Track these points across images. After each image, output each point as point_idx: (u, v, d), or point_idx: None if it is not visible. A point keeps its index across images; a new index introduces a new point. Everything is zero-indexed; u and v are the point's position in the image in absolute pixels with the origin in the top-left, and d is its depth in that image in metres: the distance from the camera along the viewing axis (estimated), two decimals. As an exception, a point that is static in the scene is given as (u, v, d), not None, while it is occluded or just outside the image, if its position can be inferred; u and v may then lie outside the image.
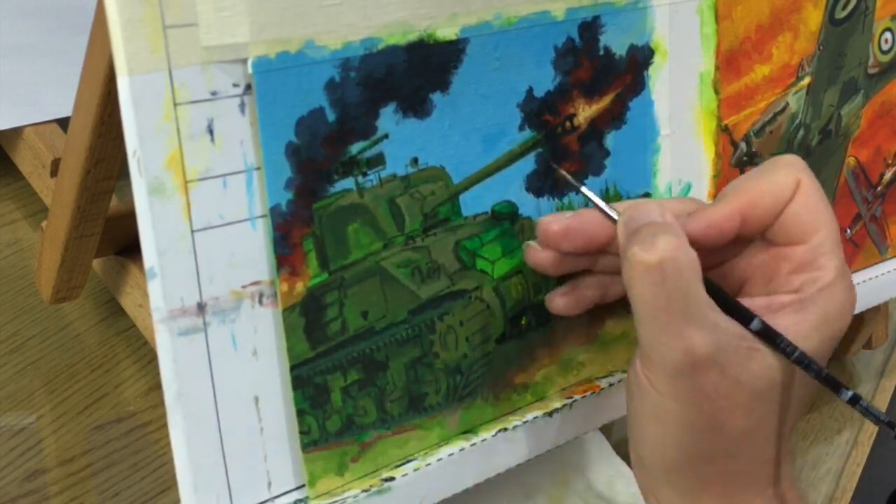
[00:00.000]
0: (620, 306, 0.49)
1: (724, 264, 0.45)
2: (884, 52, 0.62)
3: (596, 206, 0.45)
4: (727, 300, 0.42)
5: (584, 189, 0.47)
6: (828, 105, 0.60)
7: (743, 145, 0.56)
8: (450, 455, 0.46)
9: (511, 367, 0.48)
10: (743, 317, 0.42)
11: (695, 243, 0.42)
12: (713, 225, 0.43)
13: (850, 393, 0.42)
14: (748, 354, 0.41)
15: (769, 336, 0.41)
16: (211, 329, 0.40)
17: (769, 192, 0.43)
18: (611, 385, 0.51)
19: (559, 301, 0.48)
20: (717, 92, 0.54)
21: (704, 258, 0.42)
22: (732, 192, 0.44)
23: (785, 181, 0.43)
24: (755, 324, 0.41)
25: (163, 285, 0.38)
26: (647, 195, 0.52)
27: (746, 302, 0.43)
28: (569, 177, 0.48)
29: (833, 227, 0.43)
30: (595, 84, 0.49)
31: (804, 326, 0.42)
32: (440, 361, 0.46)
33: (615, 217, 0.44)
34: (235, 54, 0.39)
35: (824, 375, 0.41)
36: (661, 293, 0.40)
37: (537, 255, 0.46)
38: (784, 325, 0.42)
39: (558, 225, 0.45)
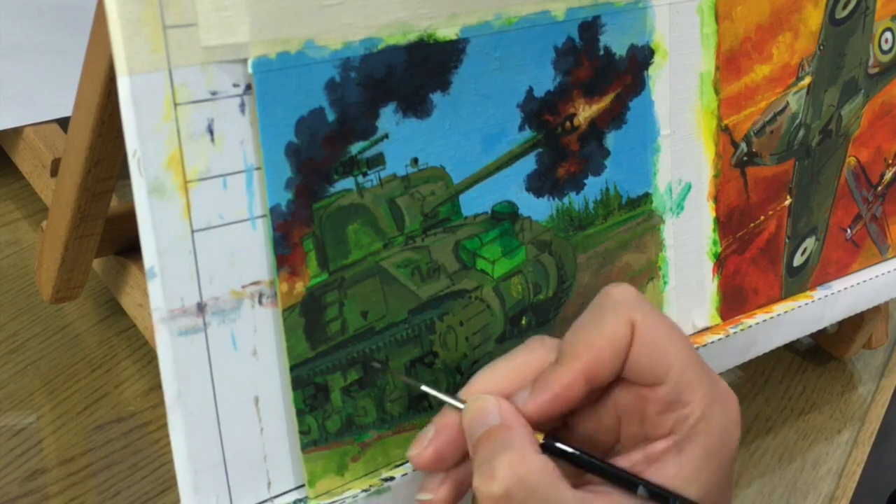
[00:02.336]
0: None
1: (596, 405, 0.42)
2: (884, 52, 0.62)
3: (442, 400, 0.43)
4: (604, 470, 0.40)
5: (423, 387, 0.44)
6: (828, 105, 0.60)
7: (743, 145, 0.56)
8: (450, 455, 0.46)
9: (511, 367, 0.48)
10: (626, 484, 0.40)
11: (544, 417, 0.40)
12: (558, 396, 0.40)
13: None
14: None
15: (660, 497, 0.39)
16: (211, 329, 0.40)
17: (606, 346, 0.40)
18: (611, 385, 0.51)
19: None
20: (717, 92, 0.54)
21: (562, 417, 0.41)
22: (570, 351, 0.41)
23: (617, 328, 0.40)
24: (640, 490, 0.39)
25: (163, 285, 0.38)
26: (647, 195, 0.52)
27: (623, 460, 0.41)
28: (409, 379, 0.45)
29: (685, 356, 0.40)
30: (595, 84, 0.49)
31: (688, 470, 0.40)
32: (440, 361, 0.46)
33: (461, 407, 0.42)
34: (235, 54, 0.39)
35: None
36: None
37: (437, 501, 0.42)
38: (668, 474, 0.40)
39: (429, 451, 0.42)
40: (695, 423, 0.40)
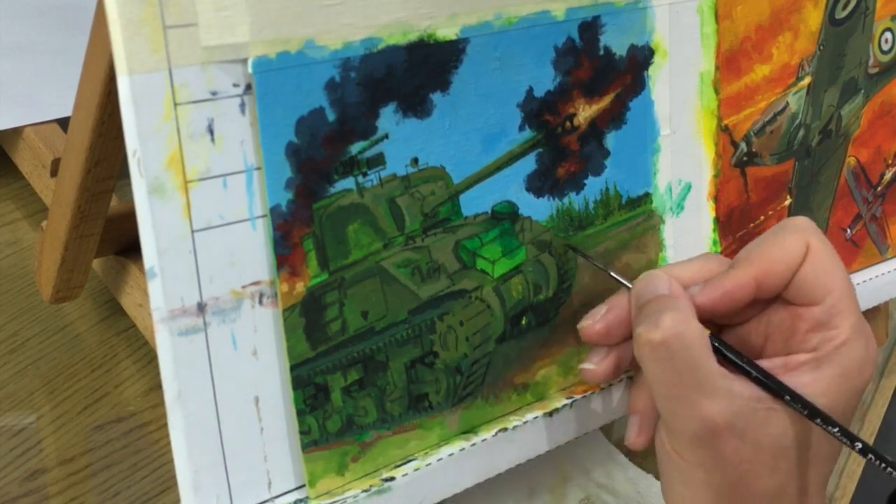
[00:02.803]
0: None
1: (746, 322, 0.46)
2: (884, 52, 0.62)
3: (615, 280, 0.47)
4: (740, 362, 0.43)
5: (611, 273, 0.48)
6: (828, 105, 0.60)
7: (743, 145, 0.56)
8: (450, 455, 0.46)
9: (511, 367, 0.48)
10: (759, 378, 0.43)
11: (710, 311, 0.44)
12: (727, 293, 0.44)
13: (859, 445, 0.42)
14: (766, 416, 0.42)
15: (784, 394, 0.42)
16: (211, 329, 0.39)
17: (780, 258, 0.44)
18: (611, 385, 0.51)
19: (639, 442, 0.47)
20: (717, 92, 0.54)
21: (725, 318, 0.45)
22: (745, 258, 0.45)
23: (795, 246, 0.44)
24: (776, 386, 0.42)
25: (163, 285, 0.38)
26: (647, 195, 0.52)
27: (764, 363, 0.44)
28: (595, 262, 0.49)
29: (845, 287, 0.44)
30: (595, 84, 0.49)
31: (821, 384, 0.43)
32: (440, 361, 0.46)
33: (630, 287, 0.46)
34: (235, 54, 0.39)
35: (837, 430, 0.42)
36: (670, 369, 0.42)
37: (597, 373, 0.47)
38: (801, 383, 0.43)
39: (600, 324, 0.46)
40: (839, 345, 0.43)
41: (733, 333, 0.47)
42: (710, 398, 0.41)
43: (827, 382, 0.43)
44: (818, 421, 0.42)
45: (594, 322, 0.46)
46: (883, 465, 0.42)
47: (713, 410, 0.41)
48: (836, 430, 0.42)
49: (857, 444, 0.42)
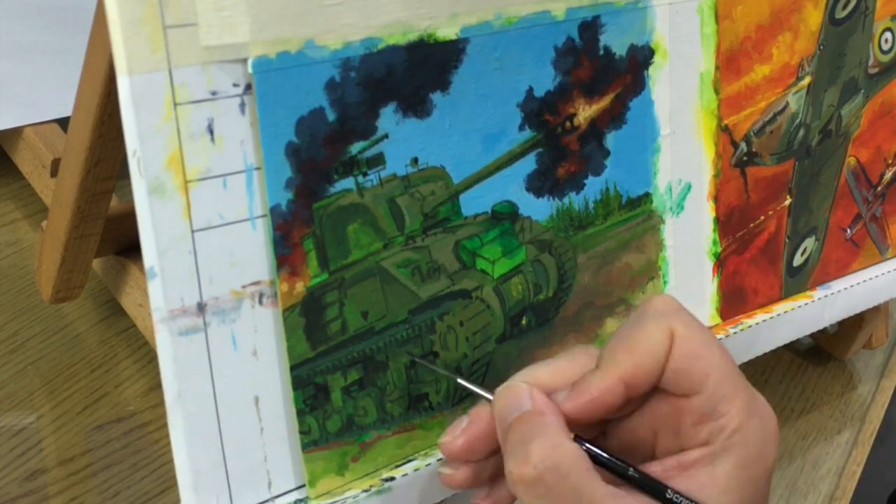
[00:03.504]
0: (620, 307, 0.49)
1: (632, 416, 0.42)
2: (884, 52, 0.62)
3: (473, 391, 0.44)
4: (625, 474, 0.40)
5: (459, 380, 0.45)
6: (828, 105, 0.60)
7: (743, 145, 0.56)
8: (450, 455, 0.46)
9: (511, 367, 0.48)
10: (653, 491, 0.39)
11: (580, 419, 0.40)
12: (595, 399, 0.40)
13: None
14: None
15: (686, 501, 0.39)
16: (211, 329, 0.40)
17: (645, 352, 0.40)
18: (611, 385, 0.51)
19: None
20: (717, 92, 0.54)
21: (600, 420, 0.41)
22: (609, 357, 0.41)
23: (657, 335, 0.40)
24: (669, 494, 0.39)
25: (163, 285, 0.38)
26: (647, 195, 0.52)
27: (655, 466, 0.41)
28: (437, 369, 0.46)
29: (723, 367, 0.40)
30: (595, 84, 0.49)
31: (720, 481, 0.39)
32: (440, 361, 0.46)
33: (491, 399, 0.42)
34: (235, 54, 0.39)
35: None
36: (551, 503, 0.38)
37: (456, 478, 0.43)
38: (698, 484, 0.39)
39: (460, 440, 0.42)
40: (730, 434, 0.40)
41: (621, 427, 0.42)
42: None
43: (726, 478, 0.39)
44: None
45: (454, 437, 0.42)
46: None
47: None
48: None
49: None
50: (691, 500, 0.39)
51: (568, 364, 0.42)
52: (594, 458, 0.40)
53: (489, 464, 0.43)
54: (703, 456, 0.40)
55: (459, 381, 0.44)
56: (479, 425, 0.42)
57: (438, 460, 0.45)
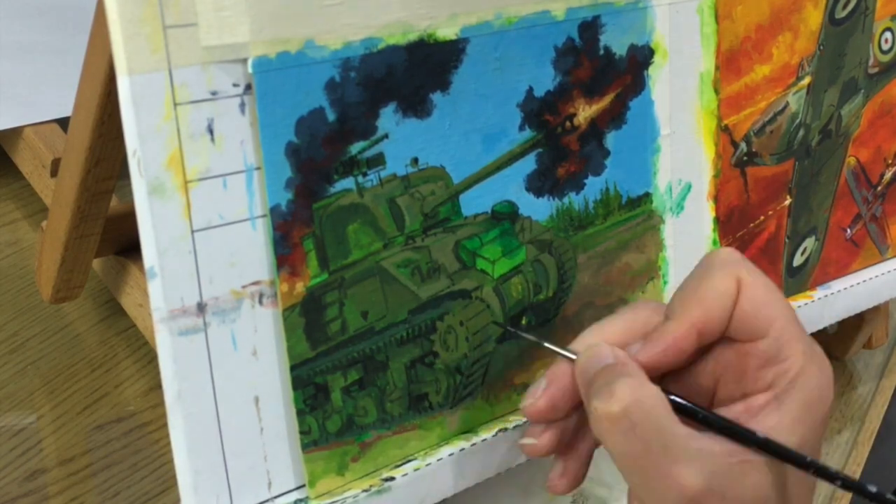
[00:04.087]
0: (620, 307, 0.49)
1: (693, 367, 0.44)
2: (884, 52, 0.62)
3: (555, 352, 0.44)
4: (707, 418, 0.41)
5: (546, 344, 0.46)
6: (828, 105, 0.60)
7: (743, 145, 0.56)
8: (450, 455, 0.46)
9: (511, 367, 0.48)
10: (727, 430, 0.41)
11: (655, 369, 0.42)
12: (670, 347, 0.42)
13: (839, 482, 0.41)
14: (742, 470, 0.40)
15: (759, 444, 0.40)
16: (211, 329, 0.40)
17: (714, 300, 0.42)
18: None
19: (561, 484, 0.45)
20: (717, 92, 0.54)
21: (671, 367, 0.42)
22: (680, 306, 0.42)
23: (725, 284, 0.42)
24: (759, 434, 0.40)
25: (163, 285, 0.38)
26: (647, 195, 0.52)
27: (724, 412, 0.42)
28: (528, 336, 0.47)
29: (787, 313, 0.42)
30: (595, 84, 0.49)
31: (787, 422, 0.41)
32: (440, 361, 0.46)
33: (573, 358, 0.43)
34: (235, 54, 0.39)
35: (817, 468, 0.40)
36: (635, 440, 0.39)
37: (538, 447, 0.43)
38: (768, 426, 0.41)
39: (542, 401, 0.43)
40: (794, 377, 0.41)
41: (680, 379, 0.44)
42: (683, 464, 0.39)
43: (792, 419, 0.41)
44: (797, 464, 0.40)
45: (535, 399, 0.43)
46: (868, 497, 0.40)
47: (689, 476, 0.39)
48: (812, 471, 0.40)
49: (837, 480, 0.40)
50: (772, 443, 0.40)
51: (634, 316, 0.44)
52: (674, 408, 0.41)
53: (568, 429, 0.44)
54: (770, 399, 0.41)
55: (546, 344, 0.45)
56: (560, 383, 0.43)
57: (439, 460, 0.45)
